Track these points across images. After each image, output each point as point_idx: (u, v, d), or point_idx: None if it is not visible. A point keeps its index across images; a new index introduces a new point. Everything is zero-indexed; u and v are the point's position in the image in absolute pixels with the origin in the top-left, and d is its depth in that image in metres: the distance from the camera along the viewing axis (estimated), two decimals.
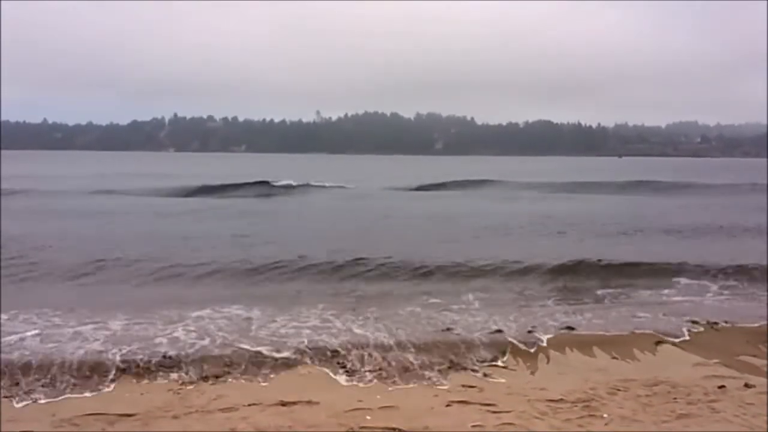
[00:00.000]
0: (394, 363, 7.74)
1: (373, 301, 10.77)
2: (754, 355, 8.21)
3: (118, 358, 7.70)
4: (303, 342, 8.42)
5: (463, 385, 7.07)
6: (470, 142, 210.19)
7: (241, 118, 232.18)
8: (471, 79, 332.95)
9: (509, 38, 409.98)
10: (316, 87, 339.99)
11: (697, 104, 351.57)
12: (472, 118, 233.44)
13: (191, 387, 7.01)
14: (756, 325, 9.47)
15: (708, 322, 9.49)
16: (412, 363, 7.76)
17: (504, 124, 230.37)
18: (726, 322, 9.59)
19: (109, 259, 13.85)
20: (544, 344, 8.56)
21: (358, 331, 8.98)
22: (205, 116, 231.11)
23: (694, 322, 9.59)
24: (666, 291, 11.85)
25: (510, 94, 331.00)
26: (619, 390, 6.91)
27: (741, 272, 13.09)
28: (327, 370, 7.59)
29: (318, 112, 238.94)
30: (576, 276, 12.95)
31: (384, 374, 7.42)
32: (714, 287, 12.17)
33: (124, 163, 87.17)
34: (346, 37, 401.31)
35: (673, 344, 8.59)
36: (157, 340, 8.43)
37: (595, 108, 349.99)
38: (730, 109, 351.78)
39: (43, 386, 6.90)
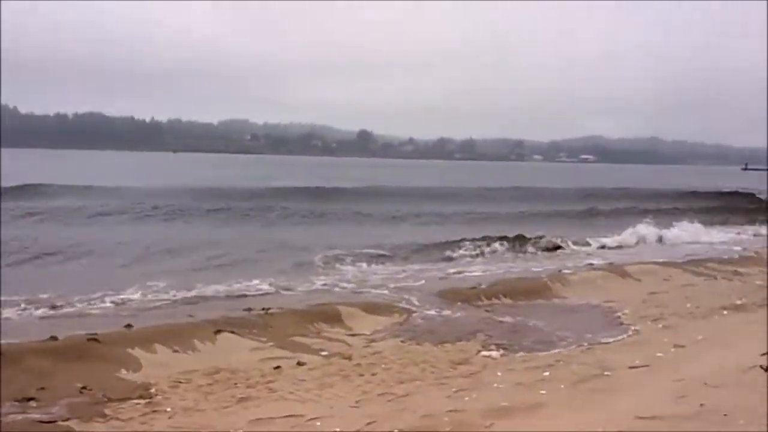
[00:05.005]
0: None
1: None
2: (304, 335, 8.89)
3: None
4: None
5: None
6: (12, 133, 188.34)
7: None
8: None
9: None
10: None
11: (248, 103, 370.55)
12: (15, 107, 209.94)
13: None
14: (302, 307, 10.18)
15: (262, 308, 9.92)
16: None
17: (52, 114, 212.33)
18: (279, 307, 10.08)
19: None
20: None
21: None
22: None
23: (249, 309, 9.90)
24: None
25: (59, 83, 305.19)
26: (181, 382, 6.85)
27: None
28: None
29: None
30: None
31: None
32: None
33: None
34: None
35: (231, 332, 8.69)
36: None
37: (152, 102, 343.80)
38: (277, 109, 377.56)
39: None
